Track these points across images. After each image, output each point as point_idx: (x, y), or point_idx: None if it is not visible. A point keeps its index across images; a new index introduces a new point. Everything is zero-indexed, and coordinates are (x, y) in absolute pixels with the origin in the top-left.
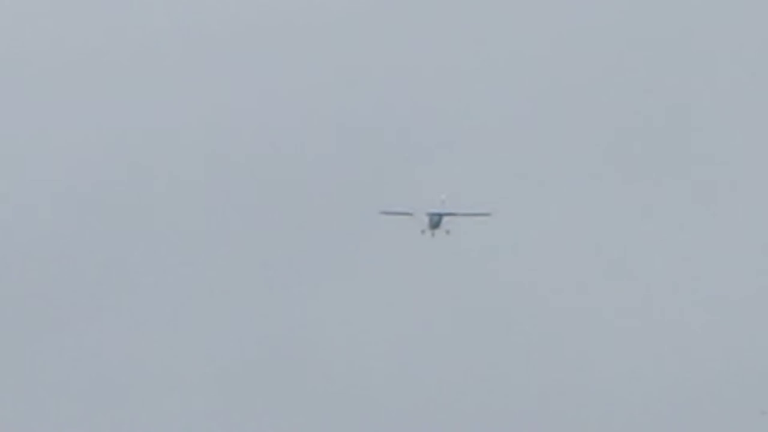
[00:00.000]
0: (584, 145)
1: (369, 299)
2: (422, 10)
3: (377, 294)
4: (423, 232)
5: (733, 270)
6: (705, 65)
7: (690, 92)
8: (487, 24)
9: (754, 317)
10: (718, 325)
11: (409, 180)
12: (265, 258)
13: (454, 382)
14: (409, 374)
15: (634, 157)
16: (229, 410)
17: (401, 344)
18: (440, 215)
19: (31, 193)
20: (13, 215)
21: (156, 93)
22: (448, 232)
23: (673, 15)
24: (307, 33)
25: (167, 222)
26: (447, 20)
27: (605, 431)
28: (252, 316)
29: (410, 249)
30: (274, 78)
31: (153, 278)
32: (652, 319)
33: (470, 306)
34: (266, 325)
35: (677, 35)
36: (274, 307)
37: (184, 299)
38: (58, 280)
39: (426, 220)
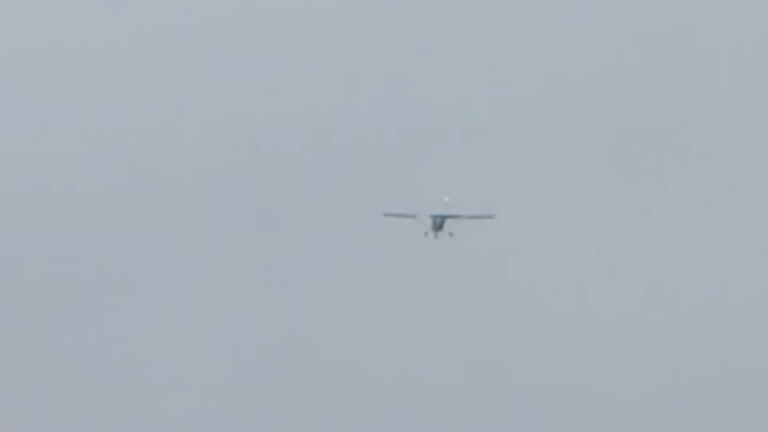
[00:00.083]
0: (584, 145)
1: (372, 301)
2: (422, 10)
3: (380, 296)
4: (426, 234)
5: (733, 270)
6: (705, 65)
7: (690, 92)
8: (487, 24)
9: (754, 317)
10: (718, 325)
11: (412, 182)
12: (267, 259)
13: (457, 384)
14: (411, 376)
15: (634, 157)
16: (229, 410)
17: (404, 346)
18: (443, 217)
19: (31, 193)
20: (13, 215)
21: (156, 93)
22: (451, 234)
23: (673, 15)
24: (307, 33)
25: (167, 222)
26: (447, 20)
27: (605, 431)
28: (253, 317)
29: (413, 251)
30: (274, 78)
31: (153, 278)
32: (652, 319)
33: (473, 308)
34: (268, 326)
35: (677, 35)
36: (276, 309)
37: (184, 299)
38: (58, 280)
39: (429, 222)
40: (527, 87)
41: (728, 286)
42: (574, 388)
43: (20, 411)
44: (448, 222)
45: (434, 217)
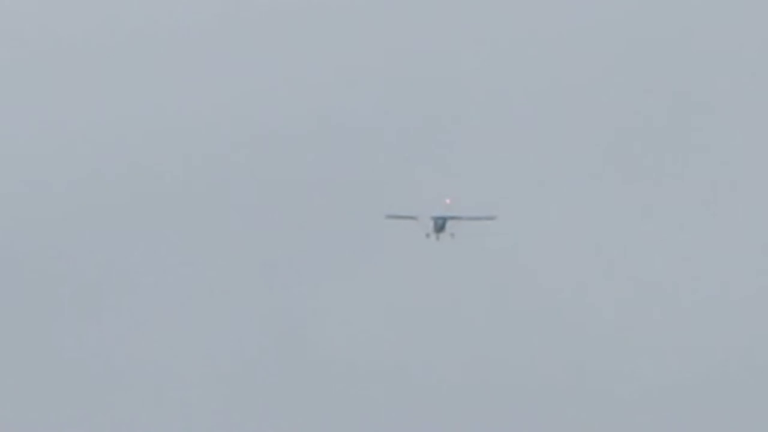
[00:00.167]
0: (584, 145)
1: (374, 302)
2: (422, 10)
3: (382, 297)
4: (427, 235)
5: (733, 270)
6: (705, 65)
7: (690, 91)
8: (487, 24)
9: (754, 317)
10: (718, 325)
11: (414, 184)
12: (268, 261)
13: (458, 384)
14: (413, 377)
15: (634, 157)
16: (229, 410)
17: (405, 347)
18: (445, 219)
19: (31, 193)
20: (13, 215)
21: (156, 92)
22: (452, 235)
23: (673, 15)
24: (307, 33)
25: (167, 222)
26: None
27: (605, 431)
28: (254, 319)
29: (415, 253)
30: (274, 78)
31: (153, 278)
32: (652, 318)
33: (474, 309)
34: (269, 328)
35: (677, 35)
36: (277, 310)
37: (184, 299)
38: (58, 280)
39: (430, 223)
40: (527, 87)
41: (728, 286)
42: (575, 388)
43: (20, 411)
44: (449, 223)
45: (436, 219)
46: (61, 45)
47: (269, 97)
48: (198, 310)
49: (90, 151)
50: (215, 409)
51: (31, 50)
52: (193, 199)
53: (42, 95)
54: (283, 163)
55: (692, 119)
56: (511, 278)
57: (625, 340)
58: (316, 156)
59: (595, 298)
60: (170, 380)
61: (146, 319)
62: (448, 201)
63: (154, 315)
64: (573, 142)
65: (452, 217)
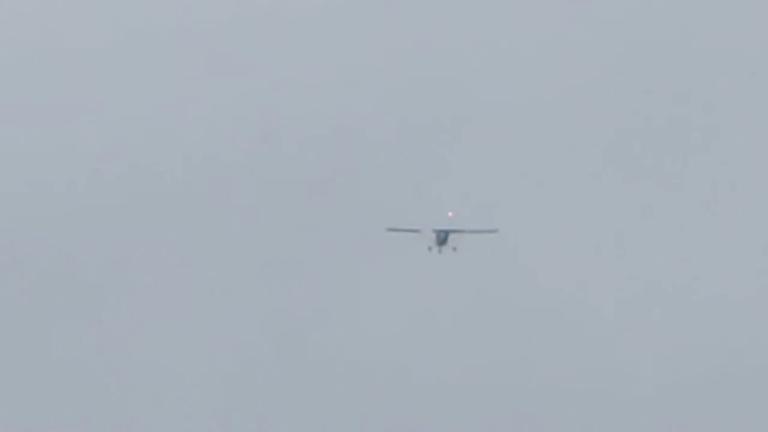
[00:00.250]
0: (584, 146)
1: (376, 314)
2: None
3: (384, 309)
4: (430, 248)
5: (733, 270)
6: (705, 65)
7: (690, 92)
8: (486, 24)
9: (754, 317)
10: (718, 325)
11: (416, 197)
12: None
13: (461, 394)
14: (415, 388)
15: (634, 157)
16: (229, 410)
17: (408, 359)
18: (447, 232)
19: (31, 193)
20: (13, 215)
21: (156, 93)
22: (455, 249)
23: (673, 15)
24: (307, 33)
25: (167, 222)
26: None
27: (605, 431)
28: (256, 331)
29: (417, 265)
30: (274, 78)
31: (153, 278)
32: (652, 318)
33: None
34: (270, 341)
35: (677, 35)
36: (279, 321)
37: (184, 299)
38: (58, 280)
39: (433, 236)
40: (527, 89)
41: (728, 286)
42: (575, 389)
43: (20, 411)
44: (451, 236)
45: (438, 232)
46: (61, 45)
47: (270, 98)
48: (198, 311)
49: (90, 151)
50: (215, 409)
51: (31, 51)
52: (193, 199)
53: (42, 96)
54: (283, 164)
55: (692, 119)
56: (513, 286)
57: (624, 339)
58: (320, 169)
59: (597, 304)
60: (170, 380)
61: (146, 319)
62: (450, 214)
63: (154, 315)
64: (573, 142)
65: (454, 230)
